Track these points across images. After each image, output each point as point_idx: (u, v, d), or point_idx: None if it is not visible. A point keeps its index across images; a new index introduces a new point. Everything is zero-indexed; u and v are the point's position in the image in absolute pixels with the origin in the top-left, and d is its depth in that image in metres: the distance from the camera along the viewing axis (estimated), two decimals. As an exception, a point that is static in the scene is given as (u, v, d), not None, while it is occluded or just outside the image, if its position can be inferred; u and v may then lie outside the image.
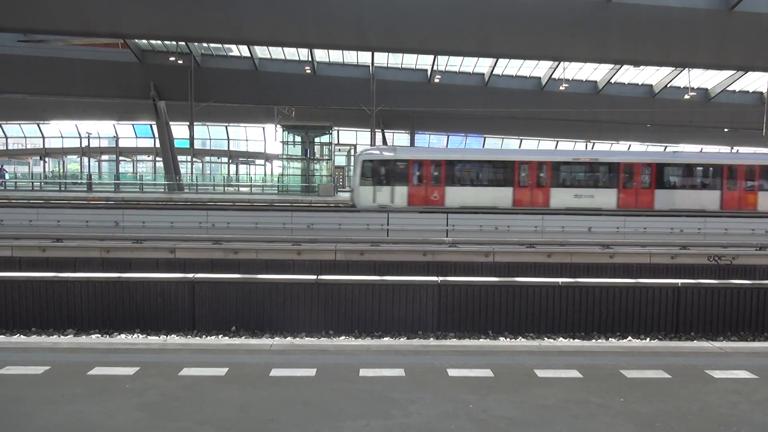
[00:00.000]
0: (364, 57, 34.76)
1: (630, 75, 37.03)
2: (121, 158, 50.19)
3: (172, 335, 9.10)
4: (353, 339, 9.00)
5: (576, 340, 9.19)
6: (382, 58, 35.08)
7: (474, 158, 26.59)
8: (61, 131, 49.42)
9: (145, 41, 32.66)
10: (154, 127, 41.94)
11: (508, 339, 9.22)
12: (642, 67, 33.83)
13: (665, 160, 26.03)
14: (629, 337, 9.41)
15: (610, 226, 18.19)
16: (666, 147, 48.43)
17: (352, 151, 44.30)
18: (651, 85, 38.24)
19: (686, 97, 35.28)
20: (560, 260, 13.23)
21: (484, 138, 50.22)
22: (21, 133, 50.26)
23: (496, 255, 13.28)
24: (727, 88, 37.92)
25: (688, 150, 43.08)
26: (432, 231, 17.12)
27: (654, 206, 24.17)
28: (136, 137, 48.88)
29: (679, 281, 9.94)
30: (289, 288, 9.54)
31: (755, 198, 24.84)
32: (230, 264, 12.81)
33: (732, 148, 46.45)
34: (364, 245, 13.81)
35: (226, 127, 48.74)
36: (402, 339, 9.08)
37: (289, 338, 8.81)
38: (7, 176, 46.97)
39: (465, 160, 25.92)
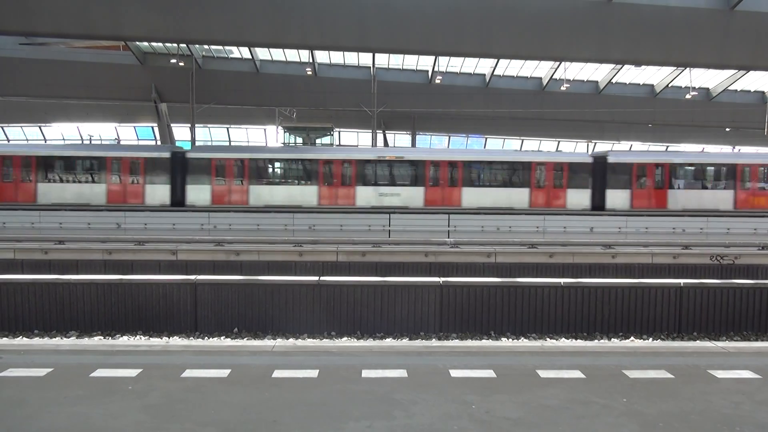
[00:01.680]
0: (365, 58, 34.74)
1: (631, 75, 36.93)
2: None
3: (175, 337, 9.10)
4: (355, 340, 8.99)
5: (578, 340, 9.18)
6: (383, 60, 35.05)
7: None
8: (62, 134, 49.47)
9: (146, 43, 32.68)
10: (156, 129, 41.94)
11: (510, 339, 9.20)
12: (643, 67, 33.77)
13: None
14: (632, 338, 9.39)
15: (612, 225, 18.23)
16: (667, 147, 48.39)
17: None
18: (652, 85, 38.16)
19: (687, 96, 35.14)
20: (562, 260, 13.23)
21: (485, 139, 50.21)
22: (23, 135, 50.32)
23: (497, 255, 13.28)
24: (729, 88, 37.80)
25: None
26: (434, 232, 17.19)
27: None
28: (138, 139, 48.86)
29: (682, 281, 9.94)
30: (291, 289, 9.53)
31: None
32: (232, 265, 12.83)
33: (734, 148, 46.43)
34: (365, 246, 13.84)
35: (228, 128, 48.80)
36: (404, 340, 9.07)
37: (291, 339, 8.81)
38: None
39: None
